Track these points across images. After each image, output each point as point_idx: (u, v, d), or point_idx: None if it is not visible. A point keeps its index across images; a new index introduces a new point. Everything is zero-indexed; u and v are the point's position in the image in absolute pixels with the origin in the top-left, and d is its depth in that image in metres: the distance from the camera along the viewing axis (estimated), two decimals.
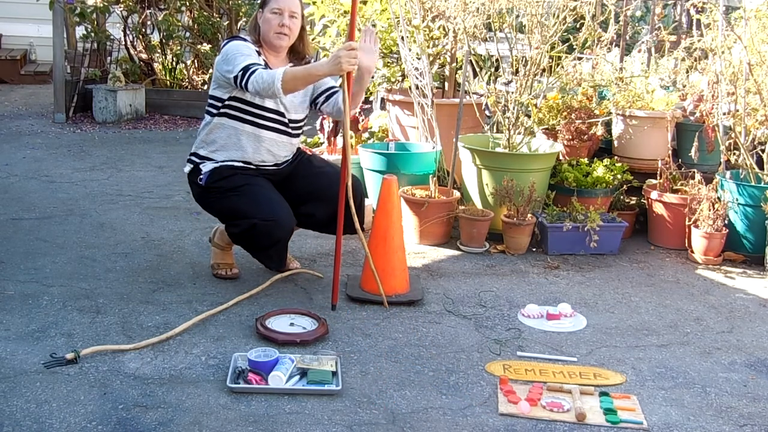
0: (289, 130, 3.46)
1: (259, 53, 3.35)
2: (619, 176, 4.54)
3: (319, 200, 3.46)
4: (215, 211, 3.50)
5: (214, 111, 3.39)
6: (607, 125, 4.86)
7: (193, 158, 3.46)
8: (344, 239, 4.26)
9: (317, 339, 2.98)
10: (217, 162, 3.40)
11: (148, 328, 3.04)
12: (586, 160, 4.64)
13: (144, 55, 8.43)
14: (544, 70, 4.54)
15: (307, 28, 3.46)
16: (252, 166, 3.42)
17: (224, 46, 3.36)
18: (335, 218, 3.40)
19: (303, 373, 2.69)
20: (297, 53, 3.47)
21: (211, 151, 3.41)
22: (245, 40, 3.37)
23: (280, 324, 3.07)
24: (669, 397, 2.71)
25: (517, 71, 4.52)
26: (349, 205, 3.22)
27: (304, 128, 3.65)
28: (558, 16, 4.38)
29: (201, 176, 3.40)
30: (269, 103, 3.36)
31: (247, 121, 3.36)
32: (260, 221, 3.28)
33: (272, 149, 3.43)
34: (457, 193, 4.42)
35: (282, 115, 3.40)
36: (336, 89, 3.55)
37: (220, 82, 3.34)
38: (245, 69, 3.18)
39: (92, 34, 7.77)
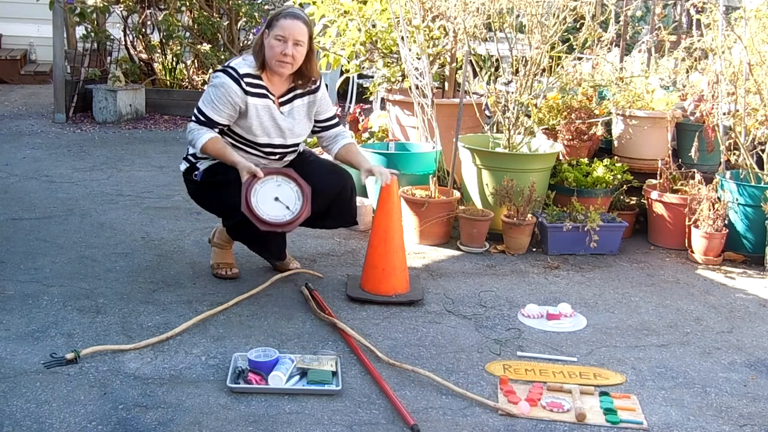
0: (287, 152, 3.47)
1: (256, 84, 3.30)
2: (619, 176, 4.54)
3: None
4: (210, 206, 3.50)
5: None
6: (607, 125, 4.86)
7: (190, 158, 3.46)
8: (344, 240, 4.26)
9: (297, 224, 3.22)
10: (213, 161, 3.41)
11: (148, 328, 3.05)
12: (586, 160, 4.64)
13: (144, 55, 8.42)
14: (544, 70, 4.54)
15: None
16: None
17: (216, 77, 3.29)
18: (327, 212, 3.37)
19: (303, 373, 2.69)
20: (302, 75, 3.37)
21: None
22: (236, 77, 3.25)
23: (265, 196, 3.19)
24: (669, 397, 2.71)
25: (517, 71, 4.52)
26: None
27: None
28: (558, 16, 4.37)
29: (197, 172, 3.41)
30: (262, 139, 3.35)
31: (241, 149, 3.37)
32: None
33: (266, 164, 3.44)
34: (457, 193, 4.42)
35: (276, 147, 3.40)
36: (332, 123, 3.57)
37: None
38: (197, 119, 3.27)
39: (92, 34, 7.76)
